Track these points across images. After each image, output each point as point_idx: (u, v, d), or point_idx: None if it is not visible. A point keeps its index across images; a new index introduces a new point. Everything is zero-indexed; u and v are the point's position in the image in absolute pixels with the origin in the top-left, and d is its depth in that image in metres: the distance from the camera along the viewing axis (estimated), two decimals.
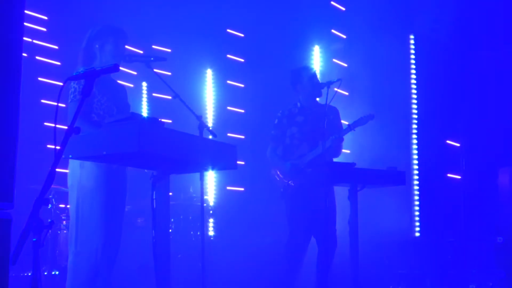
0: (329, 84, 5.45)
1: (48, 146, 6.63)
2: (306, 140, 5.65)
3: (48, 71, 6.95)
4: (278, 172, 5.69)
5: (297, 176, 5.58)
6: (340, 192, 5.60)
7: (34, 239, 2.38)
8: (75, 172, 4.16)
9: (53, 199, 6.55)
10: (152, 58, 4.21)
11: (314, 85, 5.75)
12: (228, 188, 8.53)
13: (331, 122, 5.65)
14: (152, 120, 3.56)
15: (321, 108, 5.61)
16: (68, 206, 6.47)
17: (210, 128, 4.34)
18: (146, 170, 4.31)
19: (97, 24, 4.50)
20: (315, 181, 5.42)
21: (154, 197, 3.69)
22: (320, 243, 5.54)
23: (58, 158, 2.47)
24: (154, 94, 8.43)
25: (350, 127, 5.53)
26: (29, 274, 5.63)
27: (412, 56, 7.82)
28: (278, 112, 5.86)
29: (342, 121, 5.96)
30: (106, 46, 4.37)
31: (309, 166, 5.52)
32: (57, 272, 6.29)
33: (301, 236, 5.61)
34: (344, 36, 8.21)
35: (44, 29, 7.08)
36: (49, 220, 2.40)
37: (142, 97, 8.73)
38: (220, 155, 3.89)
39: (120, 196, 4.31)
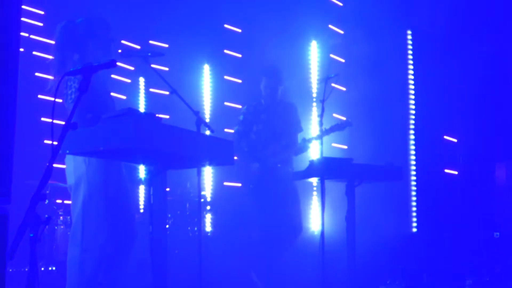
0: (326, 79, 5.46)
1: (45, 141, 6.62)
2: (272, 138, 5.85)
3: (45, 66, 6.92)
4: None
5: (267, 174, 5.81)
6: (338, 188, 5.61)
7: (31, 235, 2.38)
8: (80, 169, 4.13)
9: (50, 195, 6.55)
10: (149, 54, 4.19)
11: (264, 89, 6.09)
12: (225, 183, 8.53)
13: (288, 119, 5.82)
14: (149, 115, 3.56)
15: (282, 105, 6.06)
16: (65, 202, 6.48)
17: (208, 124, 4.33)
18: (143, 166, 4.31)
19: (78, 19, 4.38)
20: (283, 177, 5.62)
21: (151, 193, 3.69)
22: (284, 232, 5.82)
23: (56, 154, 2.46)
24: (151, 90, 8.42)
25: (326, 132, 5.62)
26: (26, 269, 5.63)
27: (410, 52, 7.82)
28: (243, 107, 6.09)
29: (339, 116, 5.99)
30: (96, 42, 4.31)
31: (279, 162, 5.78)
32: (54, 268, 6.29)
33: (271, 230, 5.88)
34: (342, 32, 8.20)
35: (41, 24, 7.06)
36: (46, 216, 2.39)
37: (139, 92, 8.72)
38: (217, 150, 3.89)
39: (126, 191, 4.31)
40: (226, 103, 8.68)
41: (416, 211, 7.58)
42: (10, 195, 2.27)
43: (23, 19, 5.52)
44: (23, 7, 5.26)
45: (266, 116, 6.00)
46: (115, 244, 4.17)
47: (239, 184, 8.47)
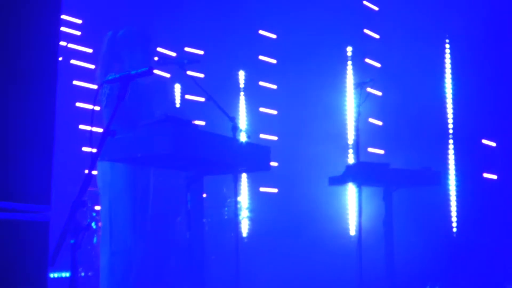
0: (362, 84, 5.44)
1: (83, 149, 6.69)
2: None
3: (83, 74, 7.02)
4: None
5: None
6: (376, 191, 5.57)
7: (72, 241, 2.41)
8: (106, 174, 4.19)
9: (89, 201, 6.62)
10: (185, 61, 4.22)
11: None
12: (261, 189, 8.53)
13: None
14: (186, 122, 3.58)
15: None
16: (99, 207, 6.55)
17: (243, 130, 4.34)
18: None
19: (121, 31, 4.45)
20: None
21: (188, 198, 3.72)
22: None
23: (95, 161, 2.49)
24: (187, 96, 8.47)
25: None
26: (67, 275, 5.71)
27: (447, 56, 7.74)
28: None
29: (374, 121, 5.94)
30: (135, 55, 4.35)
31: None
32: (92, 273, 6.35)
33: None
34: (377, 36, 8.15)
35: (79, 33, 7.15)
36: (88, 222, 2.43)
37: (175, 99, 8.77)
38: (253, 156, 3.90)
39: (146, 196, 4.35)
40: (261, 109, 8.68)
41: (456, 216, 7.50)
42: (50, 203, 2.30)
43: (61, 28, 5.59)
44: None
45: None
46: (143, 247, 4.22)
47: (276, 190, 8.48)
